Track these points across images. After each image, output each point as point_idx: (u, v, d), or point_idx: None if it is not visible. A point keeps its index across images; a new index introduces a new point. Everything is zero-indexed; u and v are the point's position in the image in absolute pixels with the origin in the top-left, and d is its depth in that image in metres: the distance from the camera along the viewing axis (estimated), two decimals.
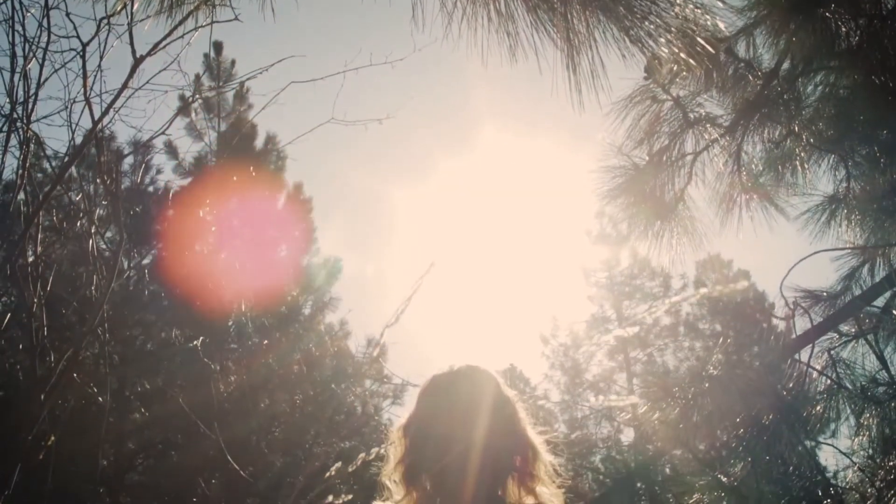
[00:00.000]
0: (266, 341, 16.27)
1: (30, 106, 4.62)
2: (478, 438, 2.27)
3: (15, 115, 4.63)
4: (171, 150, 16.92)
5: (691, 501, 5.27)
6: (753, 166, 5.41)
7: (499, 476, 2.34)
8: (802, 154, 5.27)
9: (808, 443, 5.07)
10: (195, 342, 8.67)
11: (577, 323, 26.23)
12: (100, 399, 8.16)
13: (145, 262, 16.21)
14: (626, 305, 26.01)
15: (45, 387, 4.60)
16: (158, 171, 17.20)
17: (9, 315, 4.47)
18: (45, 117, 4.78)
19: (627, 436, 24.85)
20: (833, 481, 5.29)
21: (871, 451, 5.13)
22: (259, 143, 18.39)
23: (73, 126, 4.69)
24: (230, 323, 16.63)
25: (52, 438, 4.04)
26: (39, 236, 4.96)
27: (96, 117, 4.32)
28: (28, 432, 4.40)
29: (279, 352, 16.17)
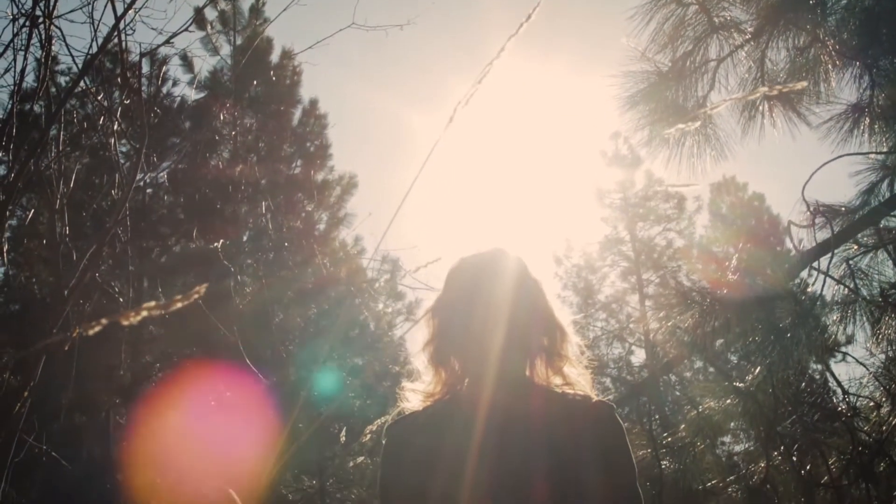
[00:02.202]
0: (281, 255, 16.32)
1: (51, 2, 4.57)
2: (505, 319, 2.27)
3: (37, 12, 4.59)
4: (186, 62, 16.79)
5: (705, 405, 5.31)
6: (777, 74, 5.36)
7: (527, 356, 2.35)
8: (827, 61, 5.20)
9: (824, 350, 5.09)
10: (215, 244, 8.67)
11: (591, 244, 26.20)
12: (120, 299, 8.20)
13: (161, 174, 16.20)
14: (640, 227, 25.94)
15: (69, 283, 4.64)
16: (175, 83, 17.08)
17: (32, 211, 4.48)
18: (67, 13, 4.71)
19: (639, 357, 25.01)
20: (847, 388, 5.31)
21: (886, 359, 5.16)
22: (274, 57, 18.28)
23: (96, 23, 4.63)
24: (244, 238, 16.70)
25: (78, 331, 4.06)
26: (61, 136, 4.96)
27: (119, 13, 4.28)
28: (53, 325, 4.44)
29: (294, 267, 16.22)
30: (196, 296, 1.00)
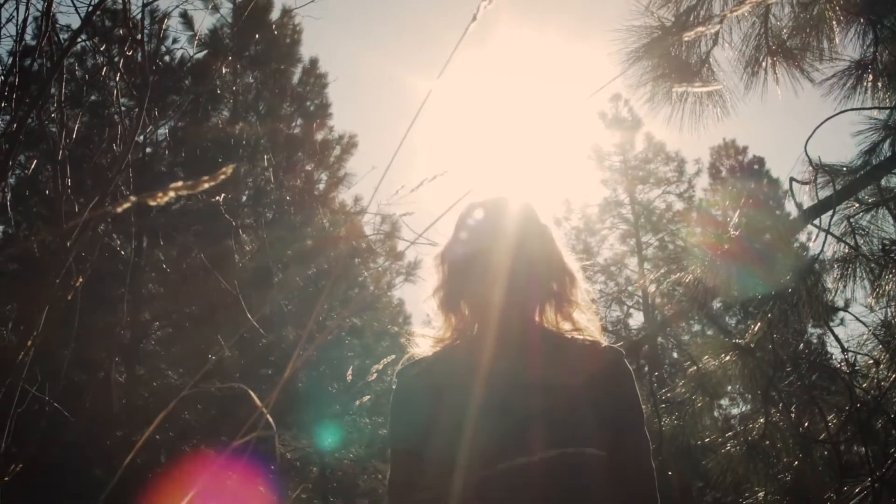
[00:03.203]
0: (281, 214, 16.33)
1: None
2: (515, 264, 2.27)
3: None
4: (186, 20, 16.68)
5: (704, 362, 5.33)
6: (781, 30, 5.34)
7: (536, 301, 2.36)
8: (831, 17, 5.18)
9: (825, 309, 5.10)
10: (217, 197, 8.66)
11: (590, 206, 26.19)
12: (122, 252, 8.21)
13: (161, 131, 16.15)
14: (640, 190, 25.95)
15: (71, 234, 4.63)
16: (175, 41, 16.97)
17: (35, 162, 4.47)
18: None
19: (637, 320, 25.08)
20: (846, 345, 5.33)
21: (886, 315, 5.18)
22: (275, 15, 18.17)
23: None
24: (244, 198, 16.69)
25: (80, 280, 4.08)
26: (63, 88, 4.94)
27: None
28: (56, 276, 4.45)
29: (294, 226, 16.22)
30: (223, 176, 1.00)
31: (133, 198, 0.97)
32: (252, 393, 1.33)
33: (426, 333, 2.44)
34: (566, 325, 2.36)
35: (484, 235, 2.32)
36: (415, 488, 2.19)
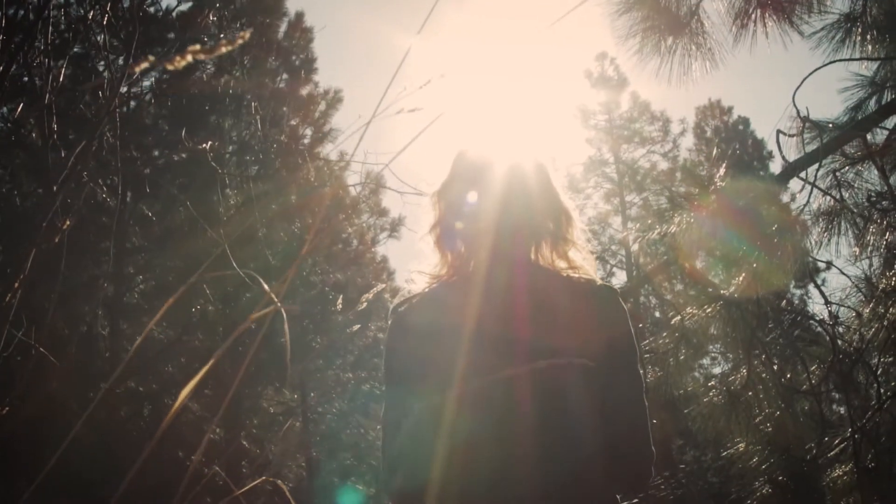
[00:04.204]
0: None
1: None
2: (511, 202, 2.28)
3: None
4: None
5: (688, 312, 5.37)
6: None
7: (532, 239, 2.36)
8: None
9: (809, 258, 5.14)
10: (203, 145, 8.60)
11: (575, 165, 26.18)
12: (108, 200, 8.18)
13: (145, 84, 16.00)
14: (625, 149, 25.96)
15: (58, 178, 4.62)
16: None
17: (21, 105, 4.43)
18: None
19: (620, 279, 25.18)
20: (830, 299, 5.37)
21: (868, 266, 5.22)
22: None
23: None
24: (228, 152, 16.61)
25: (68, 223, 4.07)
26: (49, 32, 4.90)
27: None
28: (43, 219, 4.43)
29: (278, 181, 16.16)
30: (241, 40, 0.99)
31: (151, 57, 0.97)
32: (260, 279, 1.34)
33: (423, 271, 2.45)
34: (562, 264, 2.37)
35: (480, 173, 2.32)
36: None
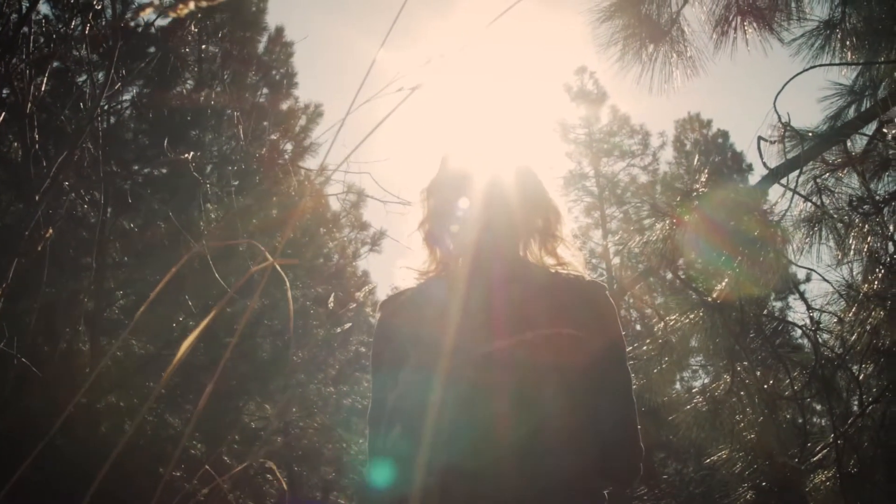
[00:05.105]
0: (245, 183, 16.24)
1: None
2: (500, 198, 2.31)
3: None
4: None
5: (672, 319, 5.38)
6: None
7: (521, 236, 2.38)
8: None
9: (790, 264, 5.16)
10: (185, 155, 8.59)
11: (555, 179, 26.22)
12: (89, 214, 8.14)
13: (126, 99, 15.94)
14: (605, 163, 26.05)
15: (40, 188, 4.61)
16: (140, 7, 16.71)
17: (3, 114, 4.42)
18: None
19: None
20: (811, 304, 5.41)
21: (850, 278, 5.25)
22: None
23: None
24: (208, 170, 16.56)
25: (51, 232, 4.06)
26: (31, 40, 4.90)
27: None
28: (25, 228, 4.42)
29: (258, 194, 16.11)
30: None
31: (156, 0, 0.97)
32: (259, 245, 1.34)
33: (412, 267, 2.46)
34: (550, 260, 2.39)
35: (469, 171, 2.34)
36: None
